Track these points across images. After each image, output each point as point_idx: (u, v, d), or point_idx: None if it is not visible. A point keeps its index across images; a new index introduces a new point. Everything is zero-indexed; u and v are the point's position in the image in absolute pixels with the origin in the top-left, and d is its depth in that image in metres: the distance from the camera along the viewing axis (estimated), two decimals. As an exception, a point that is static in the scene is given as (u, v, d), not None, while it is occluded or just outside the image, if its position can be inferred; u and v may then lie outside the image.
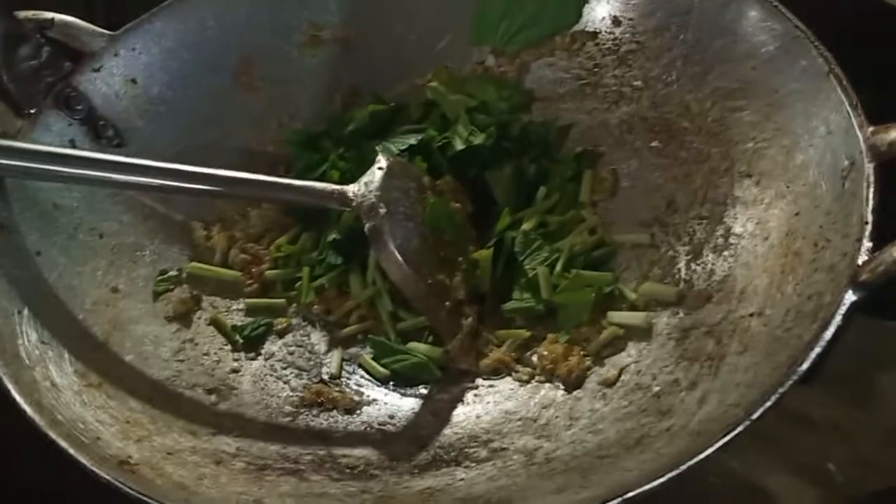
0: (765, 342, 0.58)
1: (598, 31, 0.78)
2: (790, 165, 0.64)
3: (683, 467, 0.51)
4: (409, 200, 0.70)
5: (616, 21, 0.77)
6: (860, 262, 0.54)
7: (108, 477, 0.55)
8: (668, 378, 0.62)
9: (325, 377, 0.71)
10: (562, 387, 0.67)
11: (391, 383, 0.71)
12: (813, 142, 0.63)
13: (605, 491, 0.53)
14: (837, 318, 0.53)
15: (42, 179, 0.70)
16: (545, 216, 0.75)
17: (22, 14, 0.74)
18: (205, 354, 0.72)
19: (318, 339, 0.74)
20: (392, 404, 0.69)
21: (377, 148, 0.75)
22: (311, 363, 0.72)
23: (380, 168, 0.69)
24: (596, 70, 0.78)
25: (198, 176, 0.68)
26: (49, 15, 0.75)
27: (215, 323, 0.74)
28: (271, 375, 0.72)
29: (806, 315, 0.56)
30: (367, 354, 0.72)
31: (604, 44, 0.78)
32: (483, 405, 0.68)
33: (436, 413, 0.68)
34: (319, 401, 0.69)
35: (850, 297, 0.54)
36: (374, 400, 0.70)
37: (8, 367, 0.61)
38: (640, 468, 0.55)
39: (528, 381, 0.68)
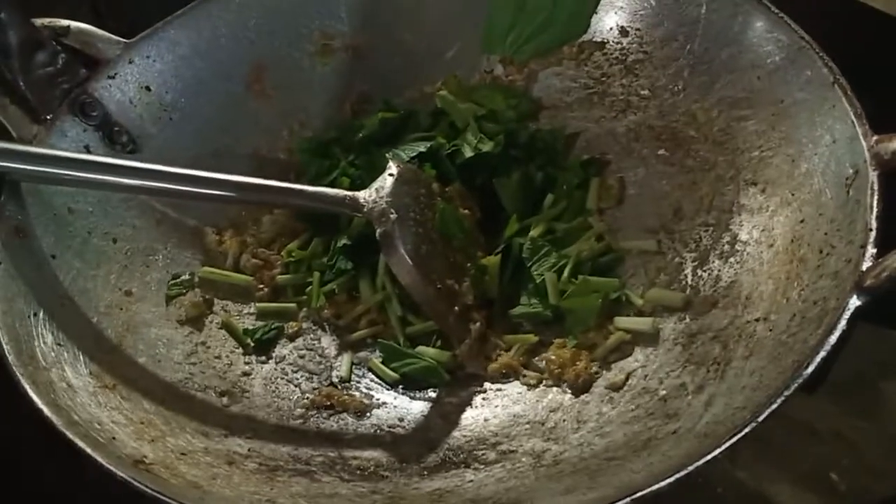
0: (770, 347, 0.59)
1: (605, 41, 0.79)
2: (795, 174, 0.65)
3: (690, 468, 0.52)
4: (419, 206, 0.71)
5: (624, 31, 0.78)
6: (864, 267, 0.55)
7: (125, 476, 0.55)
8: (675, 382, 0.63)
9: (336, 380, 0.72)
10: (569, 391, 0.67)
11: (400, 387, 0.71)
12: (818, 150, 0.64)
13: (613, 492, 0.53)
14: (842, 323, 0.54)
15: (57, 184, 0.71)
16: (553, 223, 0.75)
17: (39, 21, 0.75)
18: (216, 357, 0.73)
19: (328, 342, 0.75)
20: (401, 407, 0.70)
21: (388, 155, 0.76)
22: (322, 367, 0.73)
23: (391, 174, 0.70)
24: (603, 79, 0.79)
25: (211, 181, 0.69)
26: (65, 22, 0.76)
27: (227, 326, 0.74)
28: (282, 378, 0.72)
29: (811, 320, 0.57)
30: (376, 358, 0.73)
31: (611, 53, 0.78)
32: (491, 408, 0.68)
33: (445, 416, 0.69)
34: (329, 404, 0.70)
35: (854, 302, 0.54)
36: (384, 403, 0.70)
37: (25, 368, 0.62)
38: (647, 470, 0.56)
39: (535, 385, 0.69)
